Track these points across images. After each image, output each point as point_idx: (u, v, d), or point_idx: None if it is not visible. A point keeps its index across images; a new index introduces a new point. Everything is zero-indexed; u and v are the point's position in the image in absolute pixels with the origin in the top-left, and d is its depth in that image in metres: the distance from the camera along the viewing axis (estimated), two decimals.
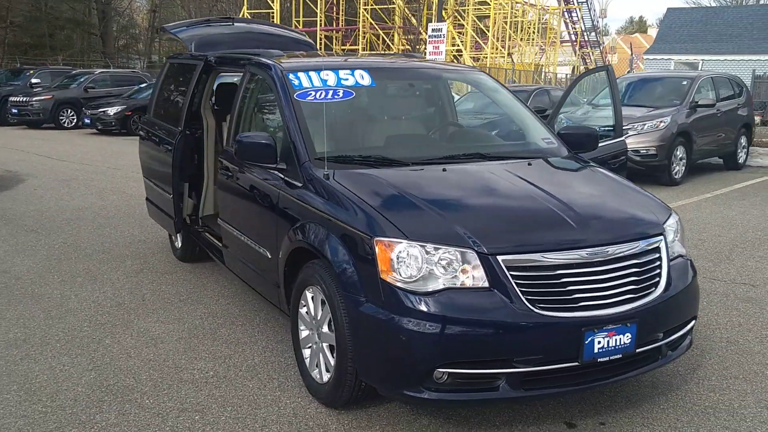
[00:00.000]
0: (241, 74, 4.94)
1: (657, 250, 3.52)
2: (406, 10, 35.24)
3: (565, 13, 46.30)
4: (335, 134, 4.20)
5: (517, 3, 41.38)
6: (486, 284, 3.13)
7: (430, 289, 3.13)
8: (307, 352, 3.91)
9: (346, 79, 4.49)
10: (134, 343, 4.55)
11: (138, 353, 4.39)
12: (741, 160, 13.12)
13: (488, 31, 37.68)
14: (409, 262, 3.16)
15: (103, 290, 5.59)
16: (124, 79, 22.44)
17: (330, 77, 4.46)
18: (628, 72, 41.62)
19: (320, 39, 35.58)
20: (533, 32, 44.87)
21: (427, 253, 3.17)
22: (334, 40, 38.26)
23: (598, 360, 3.23)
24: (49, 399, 3.79)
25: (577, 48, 47.22)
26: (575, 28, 46.89)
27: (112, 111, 18.80)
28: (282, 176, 4.06)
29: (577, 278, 3.21)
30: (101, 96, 20.71)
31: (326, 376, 3.66)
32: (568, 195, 3.65)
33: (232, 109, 4.88)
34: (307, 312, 3.86)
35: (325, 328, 3.64)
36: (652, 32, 68.91)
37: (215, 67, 5.62)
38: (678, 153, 11.06)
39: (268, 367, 4.20)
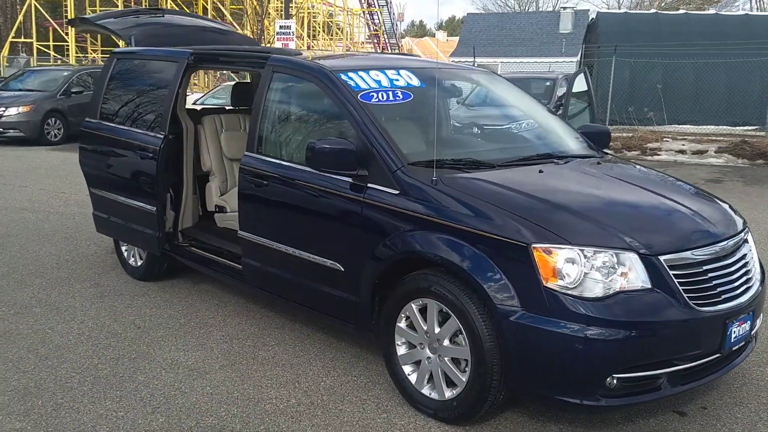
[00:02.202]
0: (261, 74, 4.52)
1: (748, 241, 3.77)
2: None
3: (368, 15, 47.63)
4: (410, 138, 4.02)
5: (323, 4, 41.83)
6: (648, 285, 3.15)
7: (598, 294, 3.09)
8: (408, 369, 3.70)
9: (397, 80, 4.30)
10: (175, 376, 4.02)
11: (191, 388, 3.88)
12: None
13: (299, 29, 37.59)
14: (572, 268, 3.11)
15: (79, 320, 4.86)
16: None
17: (381, 78, 4.25)
18: None
19: None
20: (338, 32, 45.64)
21: (586, 257, 3.13)
22: None
23: (733, 348, 3.41)
24: None
25: (379, 49, 48.69)
26: (377, 30, 48.35)
27: None
28: (362, 184, 3.79)
29: (717, 272, 3.35)
30: None
31: (449, 392, 3.49)
32: (671, 193, 3.79)
33: (255, 112, 4.46)
34: (409, 326, 3.66)
35: (447, 342, 3.47)
36: (440, 35, 72.72)
37: (193, 65, 5.11)
38: None
39: (348, 388, 3.91)
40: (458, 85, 4.90)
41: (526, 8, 51.09)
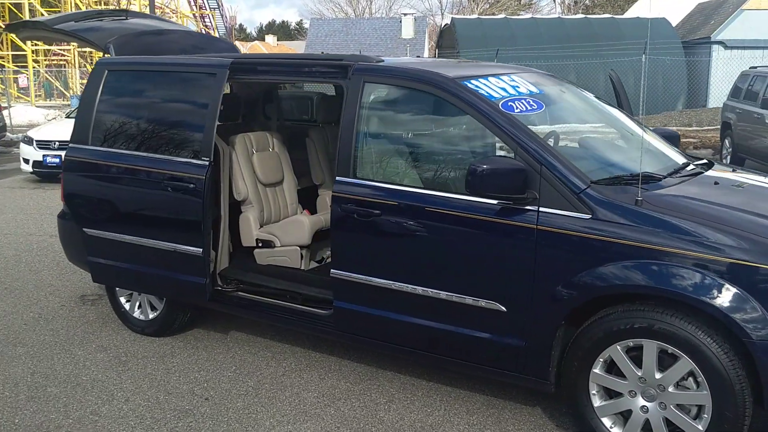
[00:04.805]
0: (345, 86, 3.80)
1: None
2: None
3: (200, 19, 45.89)
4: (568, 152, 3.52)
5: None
6: None
7: None
8: (608, 422, 3.21)
9: (518, 86, 3.79)
10: None
11: None
12: None
13: None
14: None
15: (121, 398, 3.86)
16: None
17: (504, 85, 3.72)
18: None
19: None
20: None
21: None
22: None
23: None
24: None
25: None
26: (210, 33, 46.64)
27: None
28: (532, 209, 3.23)
29: None
30: None
31: None
32: None
33: (346, 130, 3.73)
34: (609, 371, 3.16)
35: (672, 388, 3.02)
36: (270, 39, 71.71)
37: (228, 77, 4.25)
38: None
39: None
40: (565, 89, 4.43)
41: (363, 14, 51.44)
